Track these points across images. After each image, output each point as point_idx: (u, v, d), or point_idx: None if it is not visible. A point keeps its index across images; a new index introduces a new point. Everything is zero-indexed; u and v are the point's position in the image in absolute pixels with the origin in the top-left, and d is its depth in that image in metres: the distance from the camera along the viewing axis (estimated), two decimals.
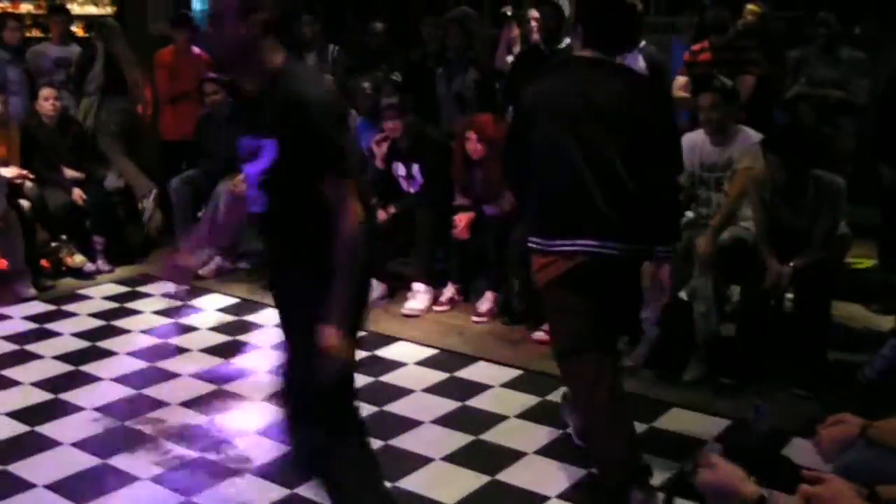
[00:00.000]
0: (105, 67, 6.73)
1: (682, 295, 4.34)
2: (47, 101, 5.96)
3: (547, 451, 3.54)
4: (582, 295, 2.98)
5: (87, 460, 3.48)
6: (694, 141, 4.34)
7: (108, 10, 10.87)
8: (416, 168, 5.30)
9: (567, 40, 5.38)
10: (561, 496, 3.21)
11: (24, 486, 3.28)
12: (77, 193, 5.84)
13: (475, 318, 5.03)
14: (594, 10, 3.07)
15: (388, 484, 3.22)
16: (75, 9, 10.27)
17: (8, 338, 4.78)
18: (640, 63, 5.01)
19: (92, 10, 10.64)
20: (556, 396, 4.03)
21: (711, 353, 4.18)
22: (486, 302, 5.08)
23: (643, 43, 5.11)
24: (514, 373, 4.33)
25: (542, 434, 3.68)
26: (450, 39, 5.82)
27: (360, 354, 4.45)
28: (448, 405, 3.98)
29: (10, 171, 5.63)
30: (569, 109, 2.94)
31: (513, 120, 3.49)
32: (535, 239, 3.06)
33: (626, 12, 3.23)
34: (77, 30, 8.92)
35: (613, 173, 2.90)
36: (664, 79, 5.17)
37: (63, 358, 4.51)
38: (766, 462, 3.33)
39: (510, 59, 5.99)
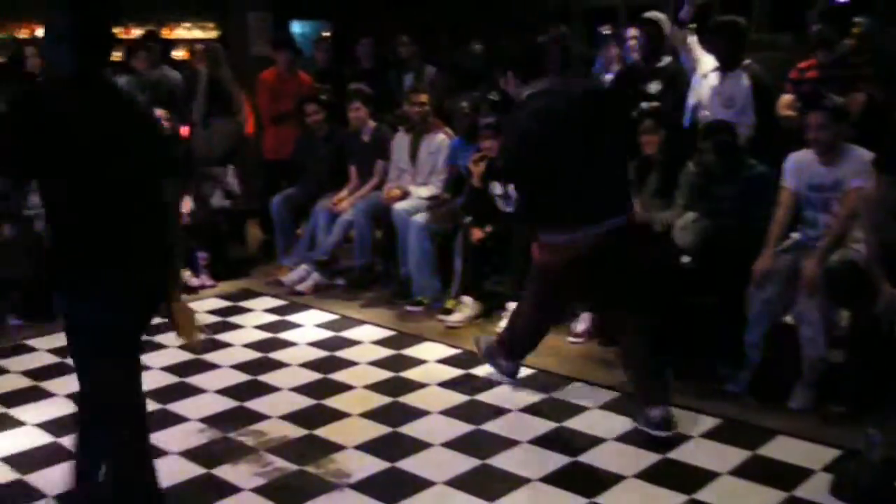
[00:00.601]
0: (209, 90, 6.94)
1: (788, 319, 4.21)
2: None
3: (647, 476, 3.48)
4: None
5: (192, 469, 3.59)
6: (801, 160, 4.22)
7: (213, 34, 11.29)
8: (511, 187, 5.29)
9: (667, 58, 5.33)
10: None
11: None
12: (184, 209, 6.04)
13: (571, 339, 4.99)
14: None
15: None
16: (182, 33, 10.70)
17: None
18: (743, 82, 4.91)
19: (198, 34, 11.06)
20: None
21: (819, 380, 4.04)
22: (582, 322, 5.04)
23: (748, 61, 5.00)
24: (611, 395, 4.27)
25: (642, 458, 3.62)
26: (551, 60, 5.81)
27: (455, 372, 4.54)
28: (544, 426, 3.95)
29: None
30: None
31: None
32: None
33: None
34: (183, 54, 9.25)
35: None
36: (769, 97, 5.04)
37: (169, 369, 4.66)
38: (881, 495, 3.20)
39: (608, 77, 5.96)
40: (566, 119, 3.79)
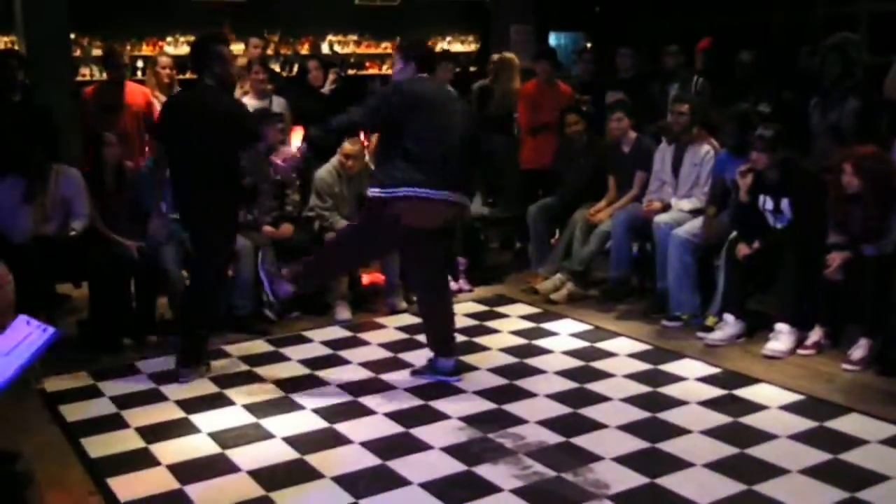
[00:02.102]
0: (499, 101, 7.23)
1: None
2: None
3: None
4: None
5: (454, 465, 3.70)
6: None
7: (473, 46, 11.65)
8: (785, 202, 5.03)
9: None
10: None
11: (401, 482, 3.56)
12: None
13: (846, 366, 4.65)
14: None
15: None
16: (445, 46, 11.13)
17: (383, 345, 5.24)
18: None
19: (459, 47, 11.46)
20: None
21: None
22: (859, 349, 4.68)
23: None
24: (894, 429, 3.93)
25: None
26: (827, 67, 5.47)
27: (716, 392, 4.37)
28: (818, 456, 3.70)
29: None
30: None
31: None
32: None
33: None
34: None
35: None
36: None
37: None
38: None
39: None
40: None
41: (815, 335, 4.92)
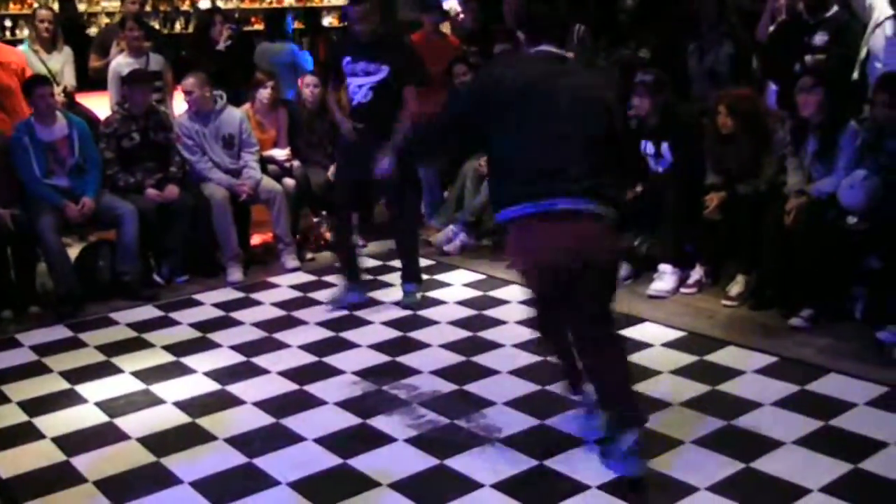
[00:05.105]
0: None
1: None
2: (308, 87, 6.36)
3: (808, 443, 3.36)
4: None
5: (349, 419, 3.72)
6: None
7: None
8: (665, 146, 5.16)
9: (835, 8, 5.03)
10: (825, 490, 3.03)
11: (296, 438, 3.56)
12: (329, 173, 6.19)
13: (725, 302, 4.85)
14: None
15: None
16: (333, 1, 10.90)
17: (277, 304, 5.19)
18: None
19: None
20: (816, 386, 3.83)
21: None
22: (737, 285, 4.88)
23: None
24: (769, 359, 4.13)
25: (802, 424, 3.50)
26: (703, 11, 5.60)
27: None
28: (698, 388, 3.87)
29: (282, 153, 6.11)
30: None
31: None
32: None
33: None
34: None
35: None
36: None
37: (325, 324, 4.83)
38: None
39: (772, 29, 5.66)
40: None
41: (696, 274, 5.11)
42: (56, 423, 3.77)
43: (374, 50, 4.75)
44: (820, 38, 5.01)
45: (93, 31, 8.91)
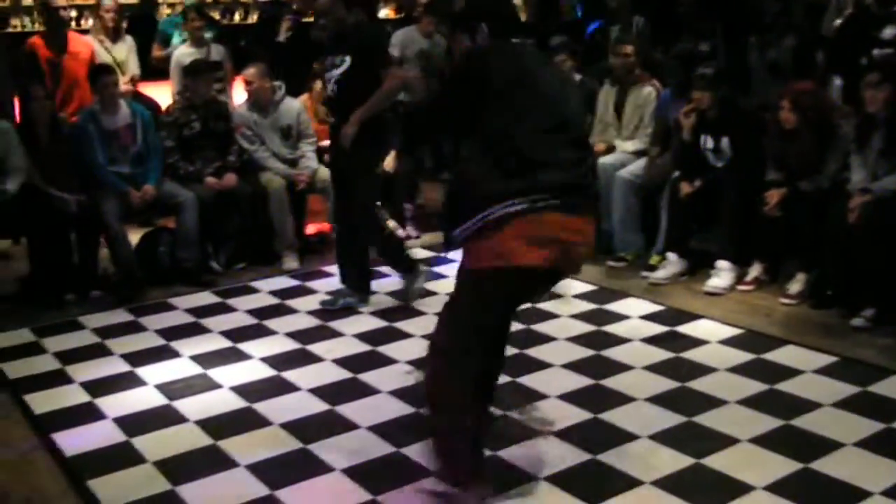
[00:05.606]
0: None
1: None
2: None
3: (868, 445, 3.29)
4: None
5: (402, 408, 3.74)
6: None
7: None
8: (724, 141, 5.09)
9: None
10: (886, 493, 2.97)
11: (350, 426, 3.60)
12: (388, 164, 6.21)
13: (784, 300, 4.77)
14: None
15: (692, 460, 3.17)
16: None
17: (332, 293, 5.22)
18: None
19: None
20: (878, 388, 3.75)
21: None
22: (796, 283, 4.80)
23: None
24: (828, 359, 4.06)
25: (863, 426, 3.43)
26: (766, 5, 5.51)
27: (659, 329, 4.46)
28: (755, 387, 3.81)
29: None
30: None
31: None
32: None
33: None
34: None
35: None
36: None
37: (378, 314, 4.85)
38: None
39: (838, 23, 5.55)
40: None
41: (755, 271, 5.03)
42: (117, 404, 3.86)
43: (338, 42, 4.68)
44: (889, 32, 4.91)
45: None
